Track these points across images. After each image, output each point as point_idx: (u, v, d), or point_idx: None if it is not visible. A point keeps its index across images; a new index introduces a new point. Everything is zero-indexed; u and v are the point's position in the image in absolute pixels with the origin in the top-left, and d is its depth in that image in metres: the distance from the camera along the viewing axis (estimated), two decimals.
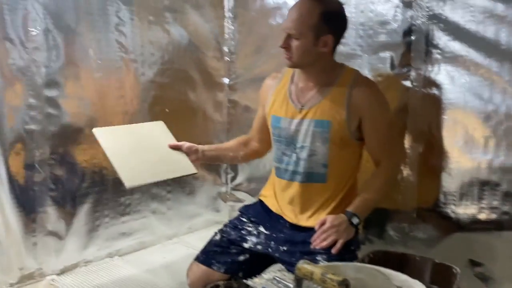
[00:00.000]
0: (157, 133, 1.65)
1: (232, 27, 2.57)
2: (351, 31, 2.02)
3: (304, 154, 1.51)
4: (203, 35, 2.48)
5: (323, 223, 1.43)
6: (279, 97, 1.58)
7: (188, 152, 1.61)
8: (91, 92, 2.03)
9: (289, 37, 1.45)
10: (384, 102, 1.55)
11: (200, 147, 1.65)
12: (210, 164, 2.56)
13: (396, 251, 1.60)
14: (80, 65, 1.98)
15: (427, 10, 1.78)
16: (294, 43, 1.44)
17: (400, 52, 1.88)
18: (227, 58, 2.60)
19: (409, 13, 1.83)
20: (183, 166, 1.59)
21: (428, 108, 1.80)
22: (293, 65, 1.51)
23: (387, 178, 1.58)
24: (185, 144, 1.62)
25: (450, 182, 1.74)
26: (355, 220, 1.44)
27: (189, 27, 2.41)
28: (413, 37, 1.83)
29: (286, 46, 1.46)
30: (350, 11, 2.02)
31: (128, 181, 1.42)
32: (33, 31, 1.79)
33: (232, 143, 1.78)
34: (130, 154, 1.49)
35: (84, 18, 1.96)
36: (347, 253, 1.44)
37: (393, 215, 1.94)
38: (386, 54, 1.92)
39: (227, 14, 2.56)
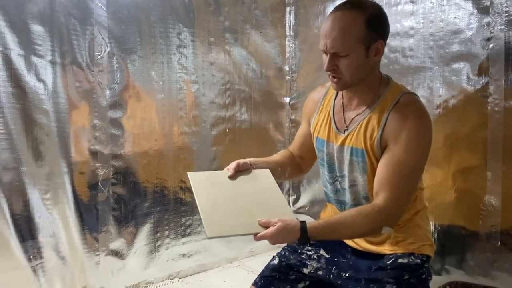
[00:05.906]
0: (259, 182, 1.41)
1: (293, 45, 2.53)
2: (419, 42, 1.91)
3: (345, 184, 1.39)
4: (264, 54, 2.47)
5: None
6: (323, 116, 1.46)
7: None
8: (153, 113, 2.06)
9: (334, 56, 1.28)
10: (417, 139, 1.27)
11: (249, 160, 1.47)
12: None
13: (478, 283, 1.42)
14: (143, 87, 2.02)
15: (506, 15, 1.62)
16: (343, 62, 1.28)
17: (477, 62, 1.73)
18: (288, 77, 2.56)
19: (486, 19, 1.68)
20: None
21: None
22: (345, 87, 1.34)
23: (369, 221, 1.24)
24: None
25: None
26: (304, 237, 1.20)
27: (249, 47, 2.41)
28: (491, 45, 1.68)
29: (334, 67, 1.29)
30: (418, 21, 1.92)
31: (210, 232, 1.21)
32: (98, 54, 1.86)
33: (279, 157, 1.60)
34: (221, 205, 1.30)
35: (146, 41, 2.01)
36: (419, 283, 1.30)
37: (473, 243, 1.76)
38: (461, 65, 1.79)
39: (288, 32, 2.54)
